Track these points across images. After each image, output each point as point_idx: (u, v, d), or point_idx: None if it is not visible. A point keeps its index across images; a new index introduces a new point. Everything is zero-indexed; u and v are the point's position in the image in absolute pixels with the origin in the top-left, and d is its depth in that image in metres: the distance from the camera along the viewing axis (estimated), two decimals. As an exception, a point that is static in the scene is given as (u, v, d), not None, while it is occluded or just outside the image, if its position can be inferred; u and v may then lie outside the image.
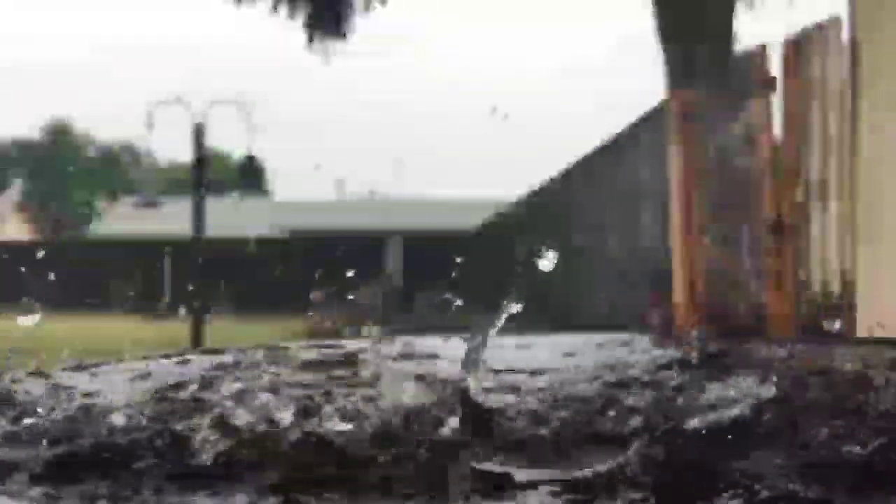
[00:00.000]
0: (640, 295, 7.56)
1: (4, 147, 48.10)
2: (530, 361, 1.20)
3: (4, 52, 64.90)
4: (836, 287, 4.38)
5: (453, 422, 0.73)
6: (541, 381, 1.07)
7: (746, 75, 5.31)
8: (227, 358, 1.24)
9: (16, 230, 32.09)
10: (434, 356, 1.17)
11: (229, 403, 0.81)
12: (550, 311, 10.69)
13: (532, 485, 0.64)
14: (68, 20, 70.30)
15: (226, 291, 13.89)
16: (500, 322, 0.92)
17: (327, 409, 0.80)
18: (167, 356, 1.25)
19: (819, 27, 4.57)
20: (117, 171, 48.89)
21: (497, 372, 1.05)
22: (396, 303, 12.06)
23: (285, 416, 0.76)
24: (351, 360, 1.14)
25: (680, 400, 0.88)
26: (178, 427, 0.77)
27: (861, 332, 4.00)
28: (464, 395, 0.79)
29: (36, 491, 0.67)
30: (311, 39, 12.92)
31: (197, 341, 10.91)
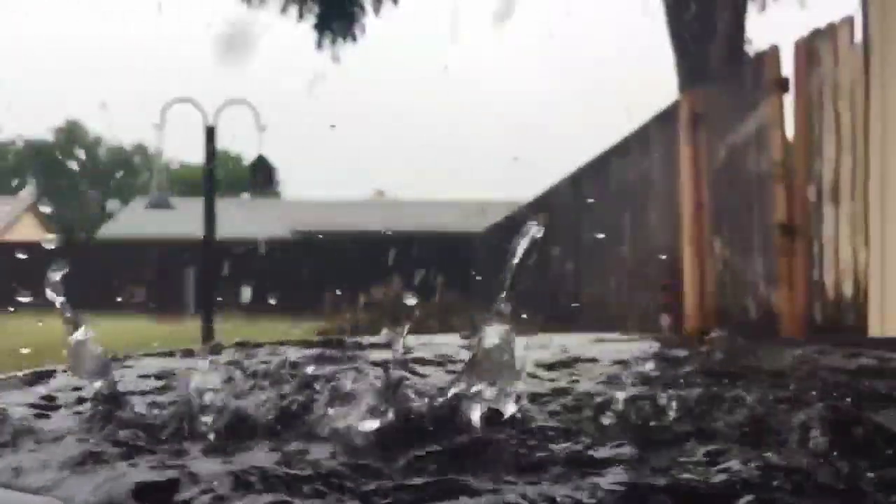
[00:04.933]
0: (650, 297, 7.54)
1: (18, 148, 48.39)
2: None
3: (18, 55, 65.29)
4: (848, 287, 4.37)
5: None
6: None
7: (758, 76, 5.31)
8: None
9: (29, 231, 32.27)
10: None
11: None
12: (558, 312, 10.68)
13: None
14: (78, 23, 70.68)
15: (236, 291, 13.92)
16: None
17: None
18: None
19: (831, 28, 4.56)
20: (129, 172, 49.14)
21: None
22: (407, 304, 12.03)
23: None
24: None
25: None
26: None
27: (873, 331, 3.98)
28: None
29: None
30: (320, 42, 12.94)
31: (208, 341, 10.94)
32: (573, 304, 10.27)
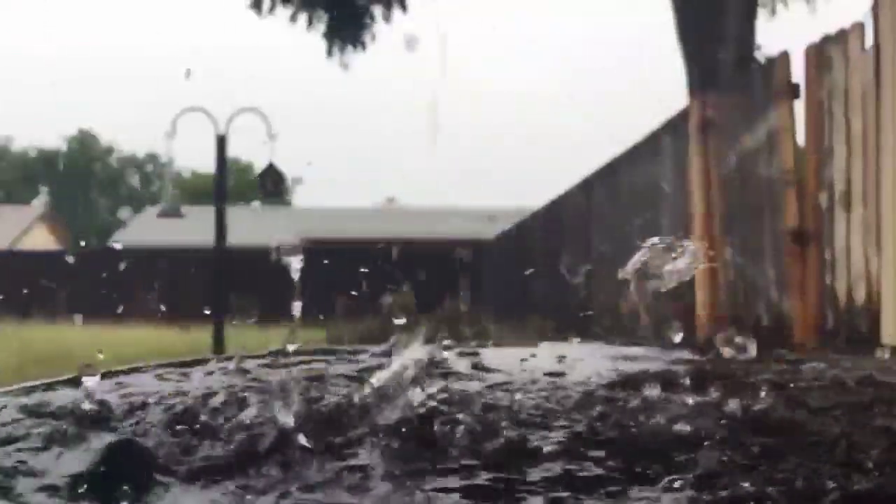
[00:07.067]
0: (661, 305, 7.50)
1: (30, 157, 48.72)
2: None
3: (30, 64, 65.78)
4: (860, 294, 4.34)
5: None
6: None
7: (769, 82, 5.29)
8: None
9: (41, 240, 32.45)
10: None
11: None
12: (569, 320, 10.65)
13: None
14: (90, 30, 71.17)
15: (247, 299, 13.95)
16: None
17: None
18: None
19: (842, 33, 4.54)
20: (141, 180, 49.39)
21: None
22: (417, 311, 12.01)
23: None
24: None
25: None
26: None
27: (885, 337, 3.95)
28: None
29: None
30: (330, 50, 12.98)
31: (219, 348, 10.97)
32: (584, 312, 10.25)
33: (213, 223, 12.95)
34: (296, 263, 1.04)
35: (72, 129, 49.44)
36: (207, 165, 14.52)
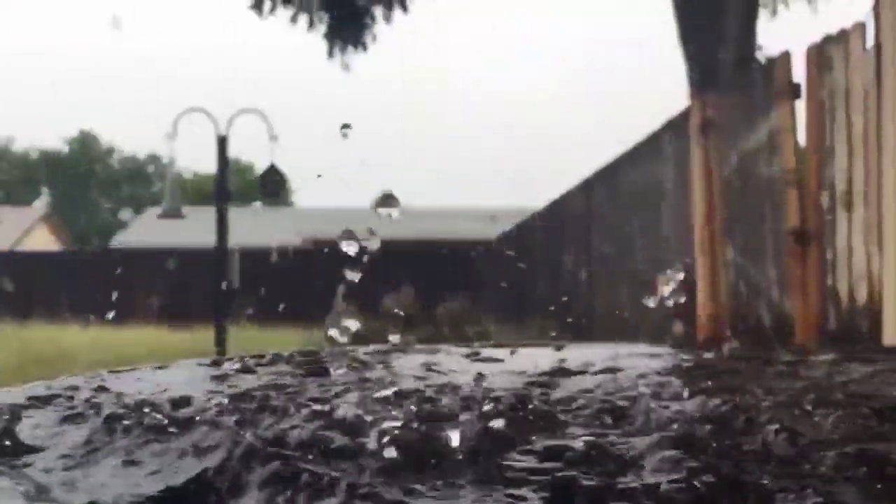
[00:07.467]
0: (662, 306, 7.49)
1: (31, 158, 48.75)
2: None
3: (30, 64, 65.85)
4: (862, 294, 4.34)
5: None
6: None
7: (770, 82, 5.29)
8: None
9: (43, 241, 32.47)
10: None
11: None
12: (571, 321, 10.65)
13: None
14: (90, 30, 71.20)
15: (248, 300, 13.95)
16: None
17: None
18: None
19: (843, 33, 4.54)
20: (142, 181, 49.42)
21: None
22: (418, 312, 12.04)
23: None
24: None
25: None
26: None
27: (887, 338, 3.95)
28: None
29: None
30: (331, 51, 12.98)
31: (221, 350, 10.97)
32: (586, 313, 10.25)
33: (214, 224, 12.96)
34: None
35: (72, 130, 49.52)
36: (209, 166, 14.53)
